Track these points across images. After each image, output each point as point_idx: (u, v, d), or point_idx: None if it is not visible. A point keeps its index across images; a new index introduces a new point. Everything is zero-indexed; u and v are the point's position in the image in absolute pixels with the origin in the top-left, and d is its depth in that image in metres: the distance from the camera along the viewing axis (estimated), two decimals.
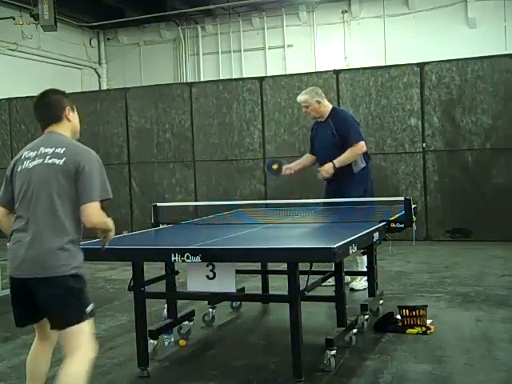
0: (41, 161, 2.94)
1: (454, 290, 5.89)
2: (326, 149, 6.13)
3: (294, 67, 13.41)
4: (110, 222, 3.02)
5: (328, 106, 6.26)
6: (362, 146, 6.06)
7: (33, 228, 2.88)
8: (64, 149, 2.94)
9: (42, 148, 2.99)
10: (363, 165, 6.11)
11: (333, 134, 6.08)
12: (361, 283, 5.90)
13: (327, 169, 6.00)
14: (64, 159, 2.90)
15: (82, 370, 2.89)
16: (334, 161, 5.97)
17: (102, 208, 2.93)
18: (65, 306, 2.87)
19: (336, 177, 6.04)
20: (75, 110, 3.22)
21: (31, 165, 2.96)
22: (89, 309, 2.94)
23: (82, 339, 2.92)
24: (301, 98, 6.26)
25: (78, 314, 2.89)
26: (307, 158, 6.53)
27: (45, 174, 2.91)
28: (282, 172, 6.44)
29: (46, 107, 3.14)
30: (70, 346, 2.91)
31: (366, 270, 5.49)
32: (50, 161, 2.92)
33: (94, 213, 2.88)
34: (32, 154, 3.00)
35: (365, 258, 5.83)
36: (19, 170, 3.00)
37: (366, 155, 6.17)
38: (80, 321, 2.89)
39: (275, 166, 6.46)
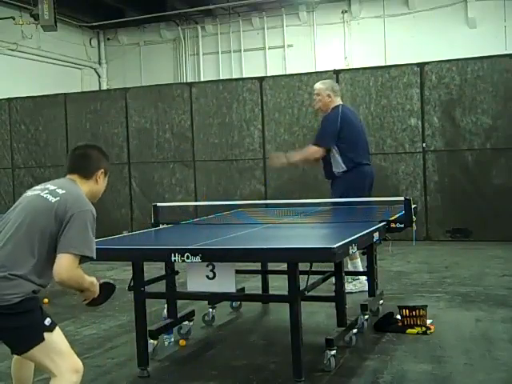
0: (38, 192, 2.86)
1: (453, 290, 5.89)
2: None
3: (294, 67, 13.41)
4: (83, 279, 2.79)
5: (334, 104, 6.16)
6: (314, 150, 6.08)
7: None
8: (64, 191, 2.82)
9: (48, 184, 2.91)
10: (343, 168, 6.00)
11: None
12: (349, 286, 5.76)
13: (274, 157, 6.27)
14: (58, 199, 2.77)
15: None
16: (287, 154, 6.24)
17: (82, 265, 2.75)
18: (16, 333, 2.66)
19: (326, 175, 6.25)
20: (107, 175, 3.08)
21: (29, 193, 2.91)
22: (46, 323, 2.71)
23: (48, 361, 2.69)
24: (316, 85, 6.29)
25: (32, 337, 2.67)
26: (310, 150, 6.45)
27: (34, 204, 2.81)
28: None
29: (83, 159, 3.03)
30: (45, 368, 2.74)
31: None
32: (45, 195, 2.81)
33: (64, 266, 2.66)
34: (37, 187, 2.93)
35: (357, 261, 5.84)
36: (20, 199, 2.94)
37: (350, 160, 6.00)
38: (38, 342, 2.66)
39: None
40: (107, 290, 3.08)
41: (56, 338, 2.73)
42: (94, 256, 2.78)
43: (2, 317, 2.62)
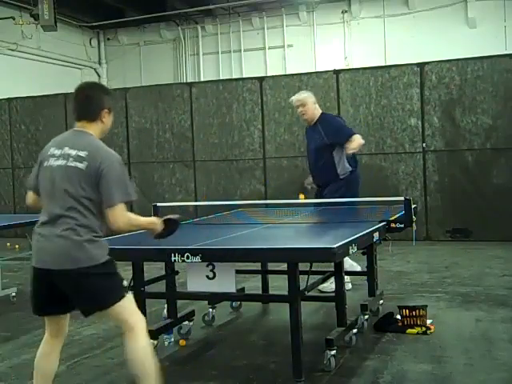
0: (64, 162, 2.99)
1: (454, 290, 5.89)
2: (314, 152, 6.14)
3: (294, 67, 13.42)
4: (139, 221, 3.14)
5: (319, 111, 6.23)
6: (360, 137, 5.98)
7: (57, 224, 2.93)
8: (86, 152, 2.97)
9: (66, 148, 3.03)
10: (349, 169, 6.05)
11: (321, 138, 6.05)
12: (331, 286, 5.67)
13: (350, 151, 5.86)
14: (86, 163, 2.94)
15: (142, 342, 3.01)
16: (352, 145, 5.82)
17: (131, 209, 3.01)
18: (99, 291, 2.95)
19: (323, 182, 6.08)
20: (112, 111, 3.21)
21: (55, 164, 3.02)
22: (124, 284, 3.05)
23: (127, 316, 3.00)
24: (299, 96, 6.22)
25: (113, 295, 2.98)
26: None
27: (67, 175, 2.96)
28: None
29: (86, 102, 3.16)
30: (120, 325, 3.05)
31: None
32: (73, 164, 2.96)
33: (117, 216, 2.96)
34: (57, 152, 3.04)
35: (349, 260, 5.82)
36: (45, 165, 3.07)
37: (353, 159, 6.09)
38: (123, 296, 3.00)
39: (301, 196, 6.42)
40: (172, 224, 3.34)
41: (131, 298, 3.08)
42: (134, 197, 3.09)
43: (93, 276, 2.91)
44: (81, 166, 2.94)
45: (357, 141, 5.89)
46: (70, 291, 2.97)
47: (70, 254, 2.89)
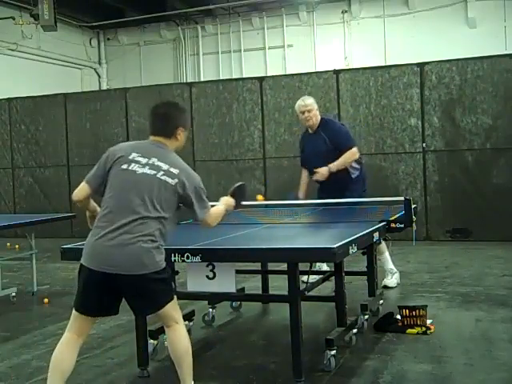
0: (153, 172, 3.16)
1: (454, 290, 5.89)
2: (319, 159, 6.07)
3: (293, 67, 13.42)
4: (220, 213, 3.52)
5: (319, 117, 6.25)
6: (355, 152, 6.07)
7: (129, 230, 3.05)
8: (178, 171, 3.21)
9: (154, 159, 3.19)
10: (358, 168, 6.17)
11: (326, 144, 6.06)
12: (393, 280, 6.08)
13: (323, 172, 5.96)
14: (176, 181, 3.18)
15: (185, 337, 3.28)
16: (330, 165, 5.94)
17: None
18: (158, 295, 3.18)
19: (332, 182, 6.02)
20: (187, 130, 3.45)
21: (140, 171, 3.15)
22: (173, 286, 3.35)
23: (174, 312, 3.27)
24: (306, 101, 6.20)
25: (168, 296, 3.23)
26: (305, 174, 6.54)
27: (154, 186, 3.13)
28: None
29: (163, 119, 3.34)
30: (166, 321, 3.27)
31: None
32: (163, 178, 3.16)
33: (209, 222, 3.40)
34: (142, 160, 3.18)
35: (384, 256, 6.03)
36: (124, 167, 3.16)
37: (356, 162, 6.16)
38: (173, 297, 3.26)
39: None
40: (239, 192, 3.71)
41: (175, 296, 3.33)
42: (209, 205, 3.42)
43: (156, 280, 3.12)
44: (171, 181, 3.16)
45: (322, 172, 5.94)
46: (133, 294, 3.15)
47: (140, 260, 3.05)
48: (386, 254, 6.06)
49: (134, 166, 3.15)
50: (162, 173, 3.16)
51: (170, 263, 4.16)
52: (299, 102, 6.29)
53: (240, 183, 3.74)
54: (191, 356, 3.30)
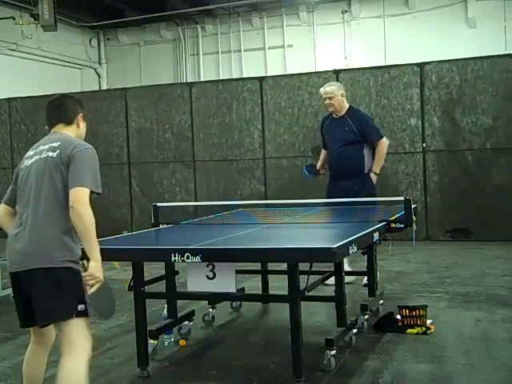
0: (37, 157, 3.00)
1: (454, 290, 5.89)
2: (342, 145, 6.24)
3: (294, 67, 13.42)
4: (93, 228, 2.83)
5: (347, 104, 6.38)
6: (385, 143, 6.32)
7: (29, 222, 2.90)
8: (59, 142, 2.99)
9: (40, 146, 3.05)
10: (371, 163, 6.26)
11: (352, 131, 6.20)
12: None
13: (373, 179, 6.24)
14: (58, 151, 2.94)
15: (78, 368, 2.82)
16: (374, 170, 6.22)
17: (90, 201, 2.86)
18: (53, 298, 2.82)
19: (346, 173, 6.18)
20: (86, 119, 3.25)
21: (29, 162, 3.03)
22: (80, 308, 2.85)
23: (75, 336, 2.85)
24: (327, 88, 6.33)
25: (66, 309, 2.84)
26: (324, 154, 6.62)
27: (40, 168, 2.95)
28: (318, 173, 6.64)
29: (60, 109, 3.18)
30: (63, 342, 2.88)
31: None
32: (45, 155, 2.97)
33: (79, 196, 2.80)
34: (31, 153, 3.07)
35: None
36: (20, 167, 3.08)
37: (373, 156, 6.31)
38: (69, 316, 2.83)
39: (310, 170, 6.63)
40: (106, 292, 3.02)
41: (87, 320, 2.93)
42: (100, 191, 2.93)
43: (52, 280, 2.82)
44: (52, 154, 2.94)
45: (380, 161, 6.25)
46: (30, 295, 2.88)
47: (34, 253, 2.83)
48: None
49: (25, 163, 3.05)
50: (44, 152, 2.98)
51: (169, 263, 4.20)
52: (321, 89, 6.46)
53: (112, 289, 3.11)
54: None
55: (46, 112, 3.19)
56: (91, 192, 2.87)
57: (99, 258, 2.88)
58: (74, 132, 3.13)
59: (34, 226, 2.88)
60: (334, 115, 6.38)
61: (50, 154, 2.94)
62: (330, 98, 6.26)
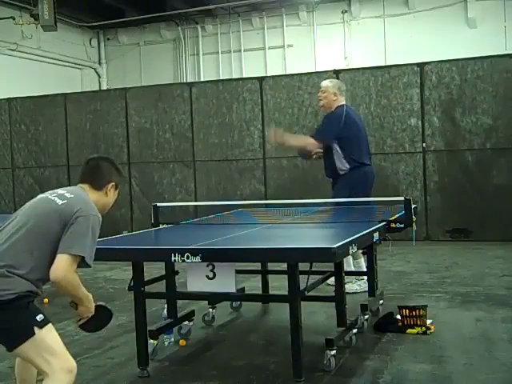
0: (46, 195, 2.92)
1: (454, 290, 5.89)
2: (321, 150, 6.29)
3: (294, 67, 13.42)
4: (78, 286, 2.77)
5: (339, 103, 6.24)
6: (310, 142, 6.23)
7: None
8: (72, 196, 2.87)
9: (59, 190, 2.96)
10: (346, 167, 6.09)
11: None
12: (353, 286, 5.82)
13: (272, 131, 6.44)
14: (65, 202, 2.82)
15: None
16: (286, 136, 6.39)
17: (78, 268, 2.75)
18: (5, 329, 2.65)
19: (327, 173, 6.33)
20: (118, 189, 3.12)
21: (39, 196, 2.98)
22: (38, 318, 2.66)
23: (42, 355, 2.65)
24: (324, 83, 6.37)
25: (22, 332, 2.64)
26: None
27: (40, 206, 2.86)
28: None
29: (94, 171, 3.06)
30: (37, 367, 2.73)
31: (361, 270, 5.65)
32: (53, 198, 2.86)
33: (61, 266, 2.66)
34: (48, 192, 2.98)
35: (361, 261, 5.86)
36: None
37: (351, 159, 6.09)
38: (27, 337, 2.62)
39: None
40: (103, 314, 3.01)
41: (47, 335, 2.67)
42: (91, 264, 2.76)
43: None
44: (59, 202, 2.81)
45: (294, 139, 6.54)
46: None
47: None
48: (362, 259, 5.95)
49: (39, 196, 2.98)
50: (54, 195, 2.88)
51: (169, 263, 4.20)
52: (323, 82, 6.48)
53: (109, 310, 3.05)
54: None
55: (81, 168, 3.09)
56: (81, 261, 2.73)
57: (87, 302, 2.88)
58: (98, 198, 3.00)
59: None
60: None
61: (58, 200, 2.82)
62: (322, 92, 6.26)
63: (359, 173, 6.12)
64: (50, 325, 2.71)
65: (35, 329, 2.64)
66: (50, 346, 2.67)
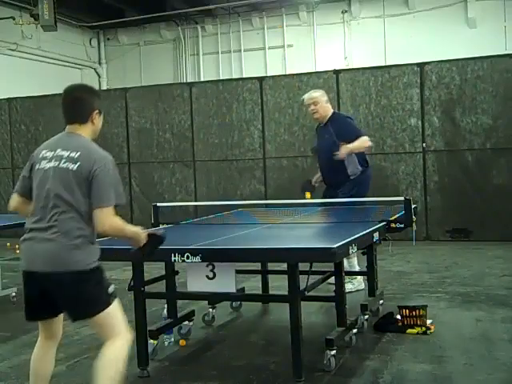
0: (56, 164, 2.96)
1: (454, 290, 5.89)
2: (324, 153, 6.10)
3: (294, 67, 13.43)
4: (125, 228, 3.00)
5: (330, 110, 6.24)
6: (367, 139, 6.09)
7: (48, 227, 2.90)
8: (79, 153, 2.94)
9: (58, 150, 3.00)
10: (359, 169, 6.06)
11: (332, 139, 6.01)
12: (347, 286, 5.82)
13: (342, 150, 5.87)
14: (78, 164, 2.91)
15: (120, 354, 3.01)
16: (348, 145, 5.89)
17: (117, 214, 2.93)
18: (86, 298, 2.92)
19: (333, 181, 6.09)
20: (102, 113, 3.17)
21: (47, 166, 2.98)
22: (110, 290, 2.98)
23: (113, 323, 3.01)
24: (312, 94, 6.24)
25: (100, 302, 2.95)
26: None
27: (58, 177, 2.93)
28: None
29: (75, 104, 3.09)
30: (103, 333, 3.03)
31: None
32: (65, 165, 2.93)
33: (105, 218, 2.88)
34: (49, 155, 3.01)
35: (353, 260, 5.85)
36: (36, 168, 3.03)
37: (364, 160, 6.13)
38: (104, 307, 2.95)
39: (308, 194, 6.41)
40: (154, 240, 3.20)
41: (116, 304, 3.04)
42: (123, 201, 3.03)
43: (79, 282, 2.89)
44: (72, 167, 2.91)
45: (357, 144, 5.93)
46: (57, 295, 2.94)
47: (59, 257, 2.86)
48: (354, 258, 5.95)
49: (42, 164, 3.00)
50: (63, 161, 2.94)
51: (169, 263, 4.20)
52: (305, 96, 6.34)
53: (162, 233, 3.28)
54: None
55: (62, 104, 3.12)
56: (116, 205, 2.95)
57: (137, 236, 3.08)
58: (88, 130, 3.08)
59: (53, 233, 2.89)
60: (320, 124, 6.28)
61: (71, 166, 2.92)
62: (314, 104, 6.12)
63: (368, 173, 6.20)
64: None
65: (111, 298, 2.99)
66: (119, 314, 3.05)
